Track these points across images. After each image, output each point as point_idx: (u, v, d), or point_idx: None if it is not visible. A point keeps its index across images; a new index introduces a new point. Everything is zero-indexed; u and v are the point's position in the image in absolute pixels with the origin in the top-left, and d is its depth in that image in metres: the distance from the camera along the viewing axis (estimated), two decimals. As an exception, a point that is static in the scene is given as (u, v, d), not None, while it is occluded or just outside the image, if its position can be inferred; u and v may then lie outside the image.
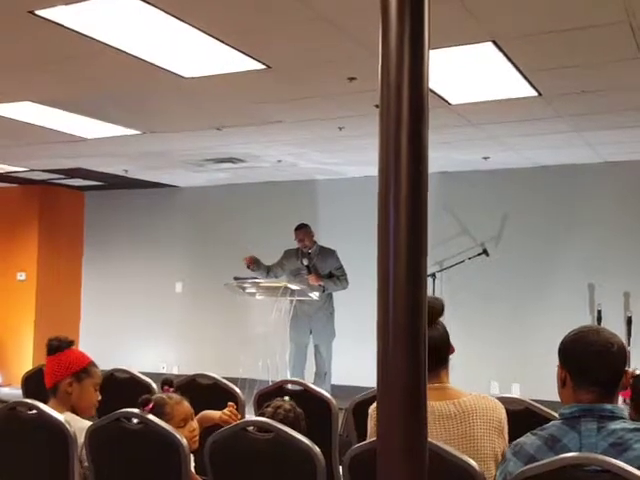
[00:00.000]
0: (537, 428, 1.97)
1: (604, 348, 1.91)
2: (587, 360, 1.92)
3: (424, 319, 0.78)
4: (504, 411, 2.26)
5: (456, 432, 2.16)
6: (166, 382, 2.86)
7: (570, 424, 1.89)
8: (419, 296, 0.80)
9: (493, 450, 2.18)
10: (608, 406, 1.88)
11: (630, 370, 1.96)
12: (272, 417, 2.53)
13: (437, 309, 2.31)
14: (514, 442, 2.00)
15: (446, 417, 2.17)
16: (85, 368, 2.84)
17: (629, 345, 6.66)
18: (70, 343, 2.92)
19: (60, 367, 2.82)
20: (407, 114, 0.80)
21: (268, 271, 6.92)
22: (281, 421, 2.47)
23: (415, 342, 0.81)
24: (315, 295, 6.47)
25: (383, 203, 0.79)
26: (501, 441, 2.21)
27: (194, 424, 2.71)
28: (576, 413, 1.89)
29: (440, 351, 2.29)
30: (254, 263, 6.80)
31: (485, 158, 6.98)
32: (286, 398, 2.73)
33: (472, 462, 1.96)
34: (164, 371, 8.78)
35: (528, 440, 1.94)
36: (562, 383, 1.97)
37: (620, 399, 2.30)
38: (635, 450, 1.78)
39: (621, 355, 1.94)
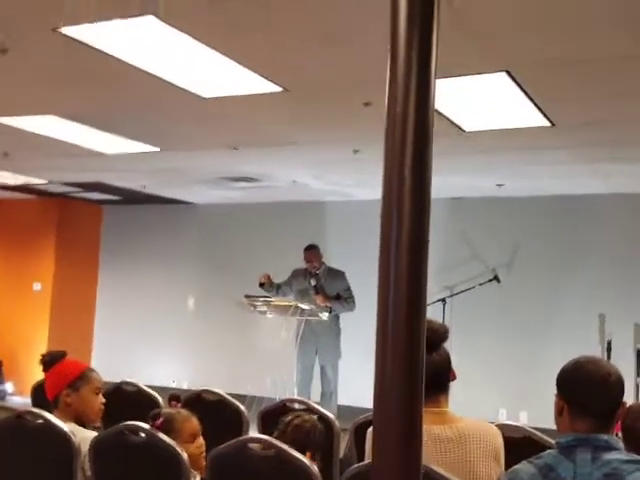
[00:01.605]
0: (533, 456, 2.00)
1: (601, 379, 1.94)
2: (584, 390, 1.94)
3: (422, 346, 0.80)
4: (501, 437, 2.28)
5: (453, 456, 2.18)
6: (173, 397, 2.91)
7: (565, 453, 1.91)
8: (418, 322, 0.81)
9: (489, 475, 2.19)
10: (604, 437, 1.90)
11: (624, 401, 1.97)
12: (290, 422, 2.65)
13: (441, 335, 2.33)
14: (510, 469, 2.02)
15: (444, 441, 2.20)
16: (79, 376, 2.87)
17: (638, 376, 6.62)
18: (62, 355, 2.97)
19: (56, 380, 2.87)
20: (412, 141, 0.81)
21: (277, 290, 6.97)
22: (297, 426, 2.59)
23: (413, 369, 0.82)
24: (325, 315, 6.50)
25: (386, 228, 0.81)
26: (497, 467, 2.22)
27: (201, 440, 2.74)
28: (572, 442, 1.91)
29: (441, 376, 2.31)
30: (269, 281, 6.86)
31: (499, 185, 7.01)
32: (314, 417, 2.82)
33: (467, 487, 1.98)
34: (174, 385, 8.82)
35: (524, 468, 1.96)
36: (559, 412, 1.99)
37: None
38: (628, 481, 1.80)
39: (618, 386, 1.95)
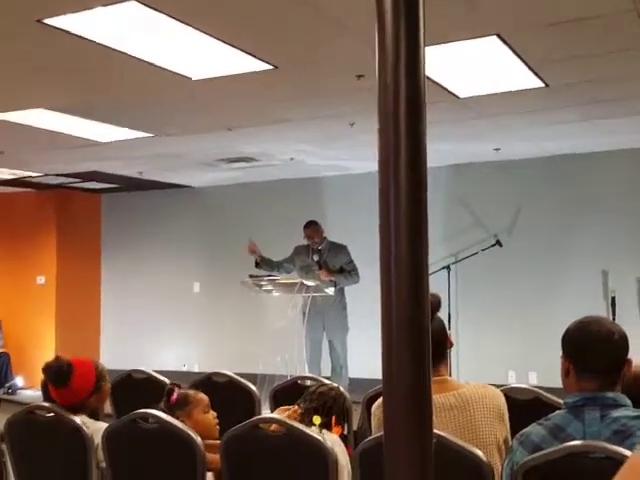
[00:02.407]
0: (543, 418, 2.01)
1: (605, 337, 1.95)
2: (589, 350, 1.95)
3: (427, 311, 0.81)
4: (503, 398, 2.31)
5: (458, 422, 2.21)
6: (170, 392, 2.90)
7: (574, 413, 1.93)
8: (421, 288, 0.81)
9: (495, 437, 2.22)
10: (610, 394, 1.91)
11: (630, 358, 1.98)
12: (315, 390, 2.85)
13: (434, 304, 2.35)
14: (520, 432, 2.03)
15: (447, 409, 2.22)
16: (97, 380, 2.86)
17: (645, 332, 6.65)
18: (70, 368, 2.83)
19: (76, 394, 2.80)
20: (404, 109, 0.81)
21: (278, 267, 6.97)
22: (322, 393, 2.80)
23: (418, 334, 0.82)
24: (330, 291, 6.51)
25: (384, 197, 0.81)
26: (502, 427, 2.25)
27: (214, 412, 2.90)
28: (579, 402, 1.92)
29: (438, 345, 2.33)
30: (257, 253, 6.84)
31: (496, 149, 6.98)
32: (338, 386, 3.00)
33: (478, 451, 2.00)
34: (185, 369, 8.87)
35: (534, 430, 1.98)
36: (566, 373, 2.01)
37: None
38: (638, 437, 1.81)
39: (622, 344, 1.97)
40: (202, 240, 9.30)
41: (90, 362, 2.94)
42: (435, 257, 6.74)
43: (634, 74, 4.44)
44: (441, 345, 2.35)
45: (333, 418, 2.80)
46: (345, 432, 2.87)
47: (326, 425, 2.73)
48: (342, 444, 2.69)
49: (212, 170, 8.00)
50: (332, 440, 2.60)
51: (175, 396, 2.80)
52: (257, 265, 6.93)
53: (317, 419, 2.73)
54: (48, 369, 2.86)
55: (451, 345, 2.39)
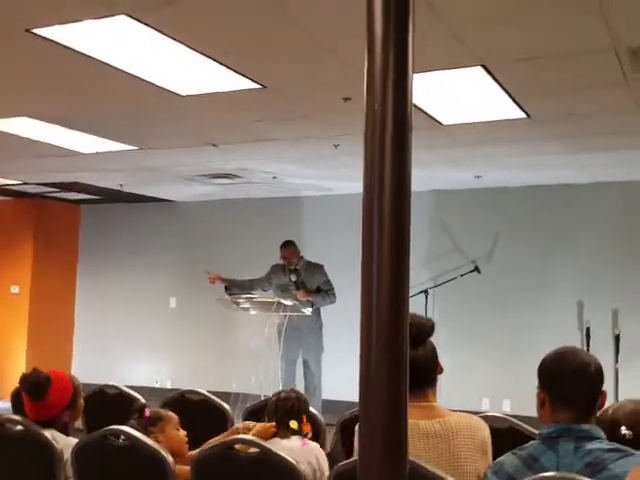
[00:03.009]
0: (517, 447, 2.01)
1: (581, 368, 1.96)
2: (564, 380, 1.96)
3: (406, 334, 0.81)
4: (488, 431, 2.29)
5: (440, 450, 2.19)
6: (141, 408, 2.87)
7: (548, 444, 1.93)
8: (401, 311, 0.81)
9: (476, 469, 2.20)
10: (585, 426, 1.92)
11: (604, 390, 1.99)
12: (277, 399, 2.93)
13: (427, 329, 2.32)
14: (494, 461, 2.03)
15: (431, 435, 2.20)
16: (74, 395, 2.83)
17: (617, 362, 6.71)
18: (48, 380, 2.78)
19: (51, 408, 2.76)
20: (391, 134, 0.82)
21: (251, 287, 6.92)
22: (285, 399, 2.90)
23: (397, 356, 0.82)
24: (308, 311, 6.50)
25: (367, 219, 0.82)
26: (484, 460, 2.23)
27: (183, 431, 2.90)
28: (554, 433, 1.93)
29: (428, 370, 2.30)
30: (220, 279, 6.79)
31: (477, 177, 7.05)
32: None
33: (452, 480, 1.99)
34: (158, 385, 8.79)
35: (507, 459, 1.98)
36: (541, 403, 2.01)
37: None
38: (610, 470, 1.82)
39: (598, 376, 1.98)
40: (180, 255, 9.25)
41: (67, 376, 2.89)
42: (413, 281, 6.71)
43: (613, 109, 4.52)
44: (432, 370, 2.32)
45: (304, 417, 2.91)
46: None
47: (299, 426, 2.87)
48: (321, 450, 2.77)
49: (193, 185, 7.99)
50: (316, 449, 2.74)
51: (148, 412, 2.79)
52: (227, 289, 6.85)
53: (294, 423, 2.82)
54: (25, 380, 2.80)
55: (441, 371, 2.36)
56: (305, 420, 2.91)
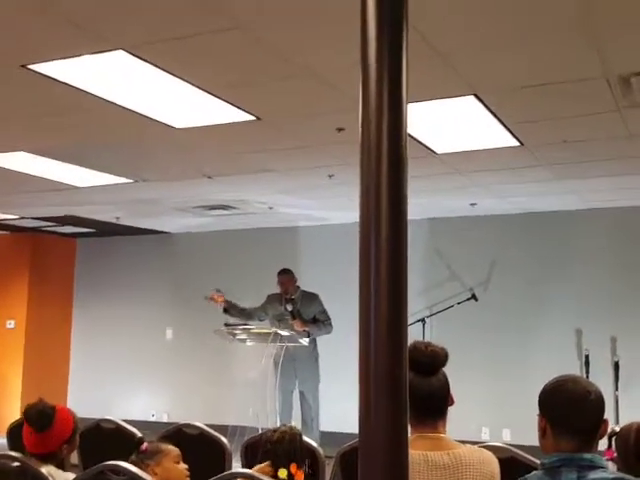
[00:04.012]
0: (519, 478, 1.99)
1: (582, 397, 1.94)
2: (565, 409, 1.95)
3: (405, 365, 0.80)
4: (497, 465, 2.23)
5: None
6: (140, 442, 2.85)
7: (551, 474, 1.91)
8: (400, 344, 0.81)
9: (484, 503, 2.16)
10: (588, 455, 1.90)
11: (610, 425, 1.98)
12: (270, 440, 2.75)
13: (441, 358, 2.26)
14: (497, 492, 2.01)
15: (440, 467, 2.16)
16: (74, 432, 2.83)
17: (617, 390, 6.67)
18: (54, 411, 2.81)
19: (53, 440, 2.77)
20: (387, 164, 0.82)
21: (250, 316, 6.91)
22: (277, 442, 2.71)
23: (396, 387, 0.81)
24: (305, 341, 6.47)
25: (365, 250, 0.81)
26: None
27: (185, 465, 2.85)
28: (556, 463, 1.91)
29: (440, 401, 2.24)
30: (222, 300, 6.79)
31: (472, 204, 7.07)
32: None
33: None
34: (154, 419, 8.70)
35: (511, 490, 1.95)
36: (542, 432, 1.99)
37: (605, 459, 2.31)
38: (614, 499, 1.80)
39: (599, 404, 1.96)
40: (177, 286, 9.22)
41: (68, 409, 2.90)
42: (411, 309, 6.72)
43: (606, 136, 4.56)
44: (444, 401, 2.26)
45: (292, 466, 2.70)
46: (307, 470, 2.81)
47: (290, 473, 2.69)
48: None
49: (189, 216, 8.00)
50: None
51: (145, 445, 2.75)
52: (225, 311, 6.85)
53: (282, 472, 2.66)
54: (31, 410, 2.80)
55: (452, 402, 2.31)
56: (295, 469, 2.71)
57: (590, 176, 5.74)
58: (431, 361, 2.17)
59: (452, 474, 2.15)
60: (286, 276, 6.87)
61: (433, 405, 2.20)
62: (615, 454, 2.48)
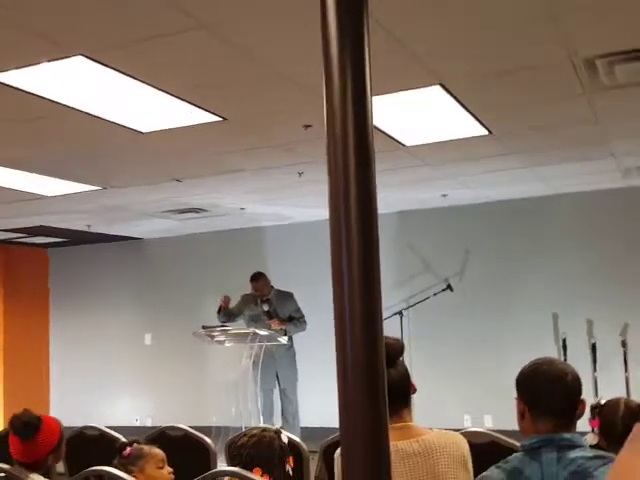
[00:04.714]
0: (501, 461, 2.02)
1: (558, 378, 1.97)
2: (543, 391, 1.97)
3: (382, 358, 0.81)
4: (467, 445, 2.29)
5: (421, 470, 2.18)
6: (123, 447, 2.83)
7: (531, 455, 1.94)
8: (375, 334, 0.81)
9: (458, 484, 2.20)
10: (567, 435, 1.93)
11: (584, 398, 2.01)
12: (249, 440, 2.57)
13: (397, 349, 2.34)
14: (479, 476, 2.03)
15: (411, 455, 2.19)
16: (61, 439, 2.83)
17: (595, 371, 6.77)
18: (39, 421, 2.82)
19: (39, 449, 2.77)
20: (354, 158, 0.82)
21: (230, 316, 7.00)
22: (242, 446, 2.53)
23: (374, 380, 0.82)
24: (283, 340, 6.49)
25: (336, 245, 0.81)
26: (466, 475, 2.23)
27: (169, 468, 2.82)
28: (536, 444, 1.93)
29: (402, 390, 2.30)
30: (227, 305, 6.92)
31: (443, 195, 7.12)
32: (278, 428, 2.76)
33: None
34: (137, 424, 8.66)
35: (492, 474, 1.97)
36: (521, 415, 2.02)
37: (590, 435, 2.36)
38: (594, 477, 1.82)
39: (576, 384, 1.99)
40: (152, 291, 9.18)
41: (54, 419, 2.91)
42: (387, 303, 6.77)
43: (573, 121, 4.60)
44: (405, 391, 2.32)
45: (256, 471, 2.51)
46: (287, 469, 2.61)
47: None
48: None
49: (160, 221, 7.95)
50: None
51: (128, 451, 2.73)
52: (219, 311, 6.97)
53: None
54: (17, 420, 2.82)
55: (414, 390, 2.36)
56: (260, 473, 2.52)
57: (557, 162, 5.80)
58: (387, 352, 2.20)
59: (424, 460, 2.18)
60: (259, 282, 6.96)
61: (396, 395, 2.23)
62: (598, 424, 2.53)
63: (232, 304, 7.09)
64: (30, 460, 2.76)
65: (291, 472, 2.58)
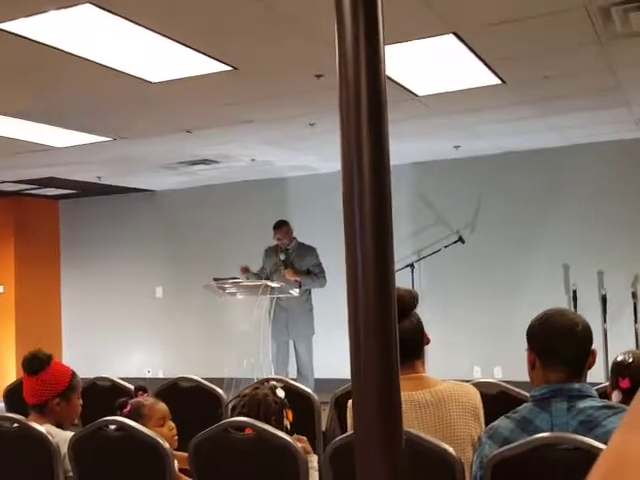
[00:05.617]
0: (510, 411, 2.03)
1: (569, 328, 1.98)
2: (553, 340, 1.98)
3: (394, 309, 0.80)
4: (479, 396, 2.32)
5: (433, 419, 2.21)
6: (140, 388, 2.89)
7: (541, 405, 1.95)
8: (388, 286, 0.81)
9: (469, 434, 2.23)
10: (576, 385, 1.94)
11: (594, 349, 2.01)
12: (241, 400, 2.55)
13: (410, 301, 2.34)
14: (489, 426, 2.05)
15: (423, 406, 2.22)
16: (69, 385, 2.83)
17: (605, 322, 6.79)
18: (49, 359, 2.86)
19: (45, 387, 2.78)
20: (366, 108, 0.81)
21: (260, 276, 6.92)
22: (249, 401, 2.51)
23: (386, 332, 0.82)
24: (295, 292, 6.49)
25: (348, 197, 0.81)
26: (477, 425, 2.26)
27: (172, 423, 2.78)
28: (546, 394, 1.95)
29: (415, 342, 2.32)
30: (248, 272, 6.84)
31: (456, 147, 7.05)
32: (274, 383, 2.74)
33: (448, 447, 2.01)
34: (149, 375, 8.78)
35: (502, 423, 2.00)
36: (532, 365, 2.03)
37: (615, 393, 2.32)
38: (604, 427, 1.84)
39: (586, 334, 2.00)
40: (164, 244, 9.20)
41: (67, 367, 2.93)
42: (398, 255, 6.75)
43: (587, 70, 4.52)
44: (418, 342, 2.33)
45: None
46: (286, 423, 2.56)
47: None
48: None
49: (173, 174, 7.93)
50: None
51: (128, 408, 2.71)
52: (247, 279, 6.84)
53: None
54: (28, 355, 2.87)
55: (428, 341, 2.38)
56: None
57: (571, 111, 5.72)
58: (400, 304, 2.20)
59: (436, 410, 2.21)
60: (282, 228, 6.86)
61: (409, 347, 2.25)
62: (629, 384, 2.35)
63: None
64: (36, 400, 2.78)
65: (289, 427, 2.53)
